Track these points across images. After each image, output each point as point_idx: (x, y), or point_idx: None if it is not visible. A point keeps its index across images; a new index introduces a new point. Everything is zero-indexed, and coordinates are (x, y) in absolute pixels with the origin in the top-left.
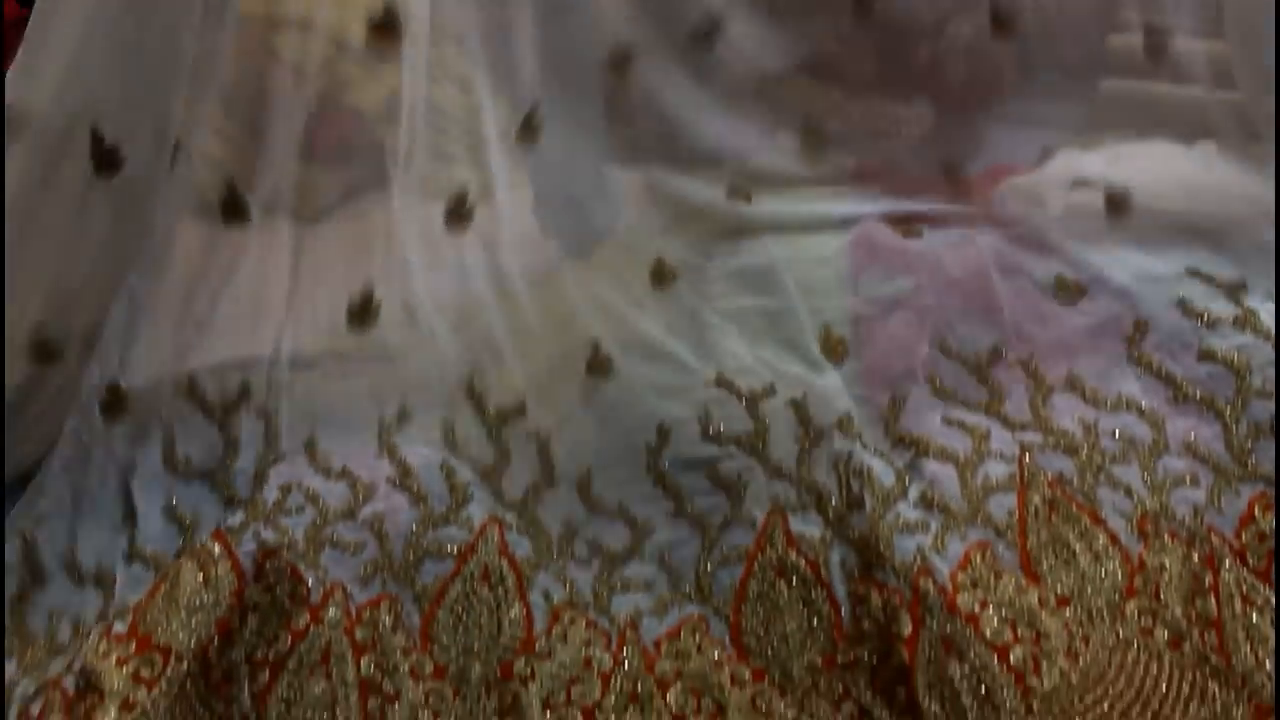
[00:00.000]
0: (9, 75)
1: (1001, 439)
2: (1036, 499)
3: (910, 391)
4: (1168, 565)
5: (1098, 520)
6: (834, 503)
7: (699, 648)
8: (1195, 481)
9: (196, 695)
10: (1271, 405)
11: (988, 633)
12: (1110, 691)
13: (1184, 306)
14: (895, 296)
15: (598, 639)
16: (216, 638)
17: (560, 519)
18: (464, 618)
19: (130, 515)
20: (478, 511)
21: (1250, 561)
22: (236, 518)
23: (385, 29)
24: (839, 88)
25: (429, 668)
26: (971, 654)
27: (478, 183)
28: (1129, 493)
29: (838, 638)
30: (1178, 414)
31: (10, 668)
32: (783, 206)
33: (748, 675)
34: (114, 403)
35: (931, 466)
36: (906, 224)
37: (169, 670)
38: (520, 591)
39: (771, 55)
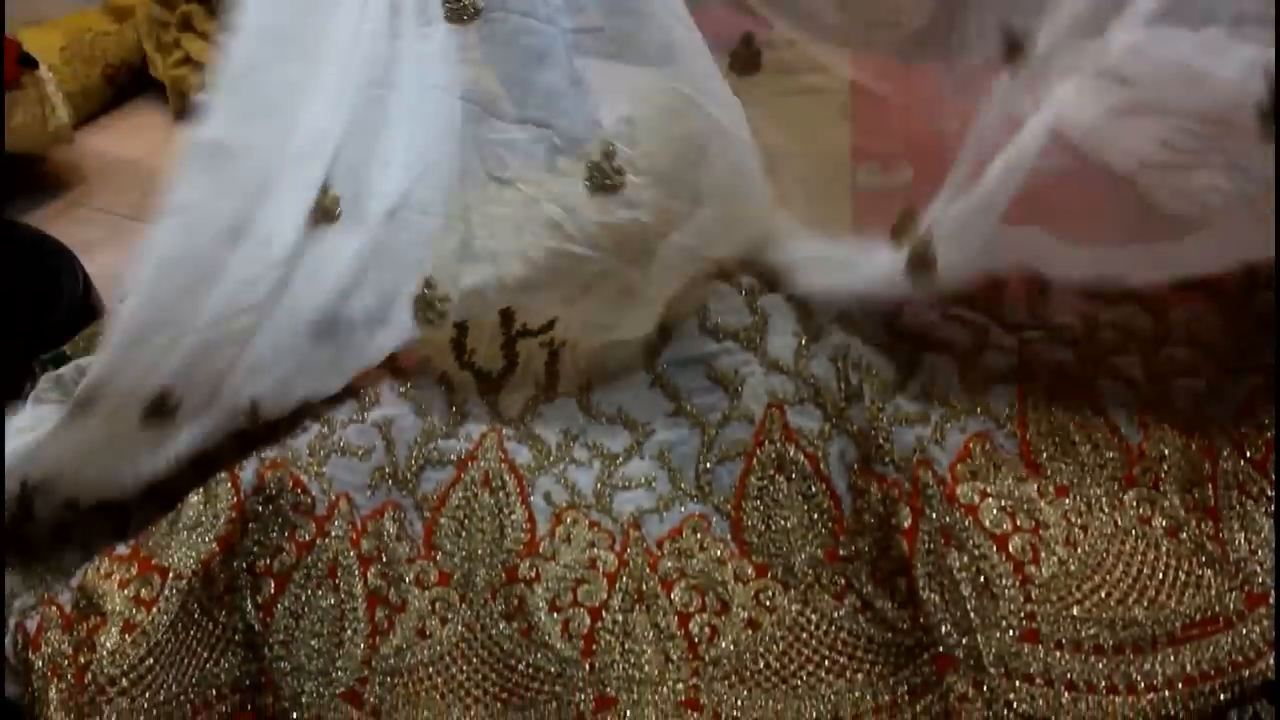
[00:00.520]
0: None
1: (1001, 332)
2: (1036, 390)
3: None
4: (1167, 455)
5: (1098, 410)
6: (833, 396)
7: (701, 546)
8: (1196, 371)
9: (199, 609)
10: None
11: (987, 523)
12: (1108, 579)
13: None
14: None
15: (601, 539)
16: (218, 552)
17: (558, 429)
18: (466, 524)
19: None
20: (475, 428)
21: (1248, 452)
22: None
23: None
24: None
25: (434, 575)
26: (971, 544)
27: None
28: (1129, 383)
29: (838, 531)
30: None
31: (12, 579)
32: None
33: (750, 571)
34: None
35: (930, 359)
36: None
37: (167, 589)
38: (522, 495)
39: None
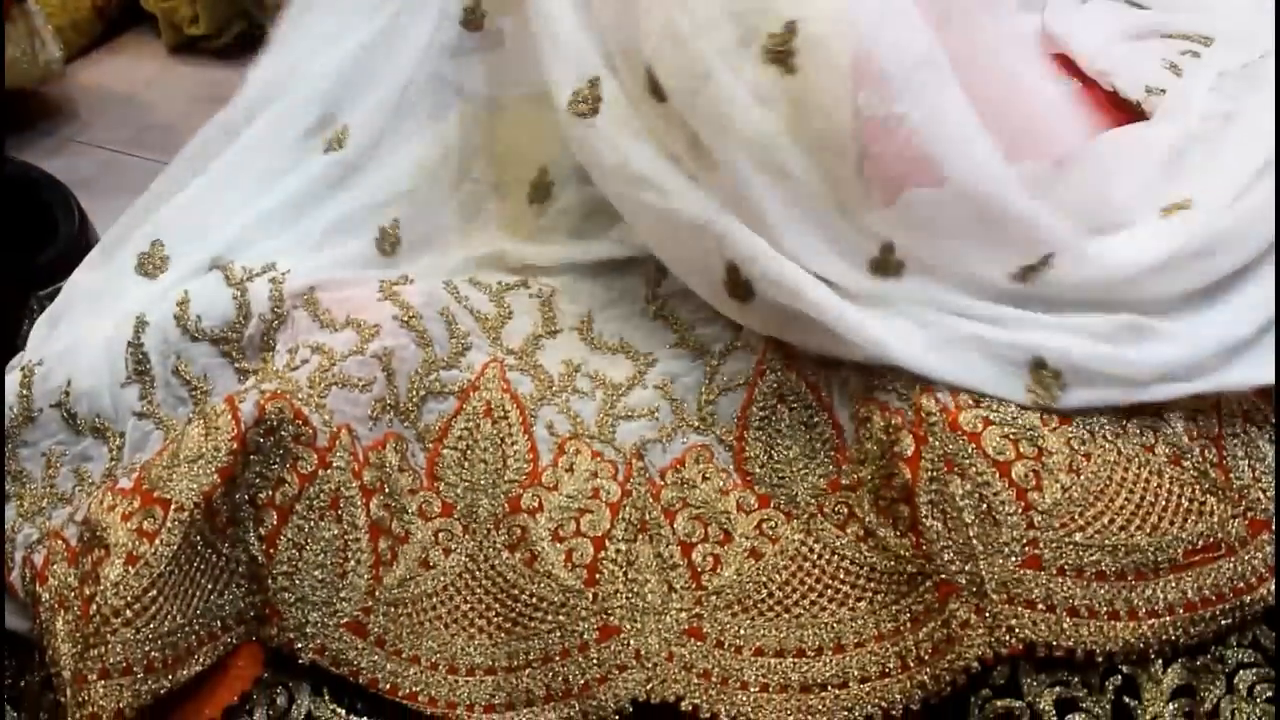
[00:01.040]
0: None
1: None
2: None
3: None
4: None
5: None
6: None
7: (704, 476)
8: None
9: (202, 541)
10: None
11: (990, 450)
12: (1110, 506)
13: None
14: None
15: (604, 469)
16: (219, 484)
17: (560, 359)
18: (469, 454)
19: (142, 373)
20: (478, 357)
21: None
22: (248, 384)
23: None
24: None
25: (437, 506)
26: (973, 471)
27: None
28: None
29: (840, 460)
30: None
31: (9, 511)
32: None
33: (753, 501)
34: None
35: None
36: None
37: (169, 521)
38: (524, 425)
39: None
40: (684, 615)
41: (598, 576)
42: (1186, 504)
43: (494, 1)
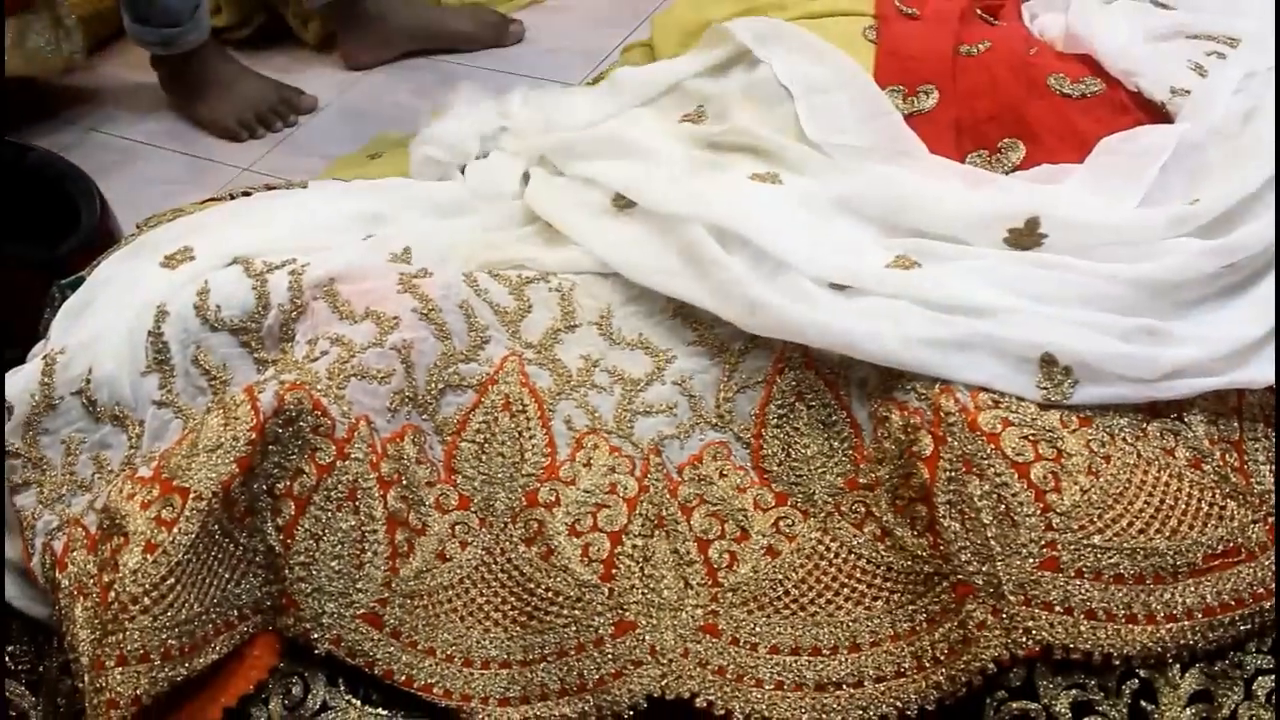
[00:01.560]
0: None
1: None
2: None
3: None
4: None
5: None
6: None
7: (721, 473)
8: None
9: (220, 530)
10: None
11: (1009, 451)
12: (1130, 509)
13: None
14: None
15: (622, 464)
16: (237, 474)
17: (579, 354)
18: (486, 448)
19: (162, 362)
20: (497, 351)
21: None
22: (267, 374)
23: None
24: None
25: (454, 499)
26: (992, 472)
27: None
28: None
29: (859, 459)
30: None
31: (29, 497)
32: None
33: (770, 499)
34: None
35: None
36: None
37: (188, 510)
38: (542, 419)
39: None
40: (700, 612)
41: (614, 572)
42: (1206, 508)
43: None
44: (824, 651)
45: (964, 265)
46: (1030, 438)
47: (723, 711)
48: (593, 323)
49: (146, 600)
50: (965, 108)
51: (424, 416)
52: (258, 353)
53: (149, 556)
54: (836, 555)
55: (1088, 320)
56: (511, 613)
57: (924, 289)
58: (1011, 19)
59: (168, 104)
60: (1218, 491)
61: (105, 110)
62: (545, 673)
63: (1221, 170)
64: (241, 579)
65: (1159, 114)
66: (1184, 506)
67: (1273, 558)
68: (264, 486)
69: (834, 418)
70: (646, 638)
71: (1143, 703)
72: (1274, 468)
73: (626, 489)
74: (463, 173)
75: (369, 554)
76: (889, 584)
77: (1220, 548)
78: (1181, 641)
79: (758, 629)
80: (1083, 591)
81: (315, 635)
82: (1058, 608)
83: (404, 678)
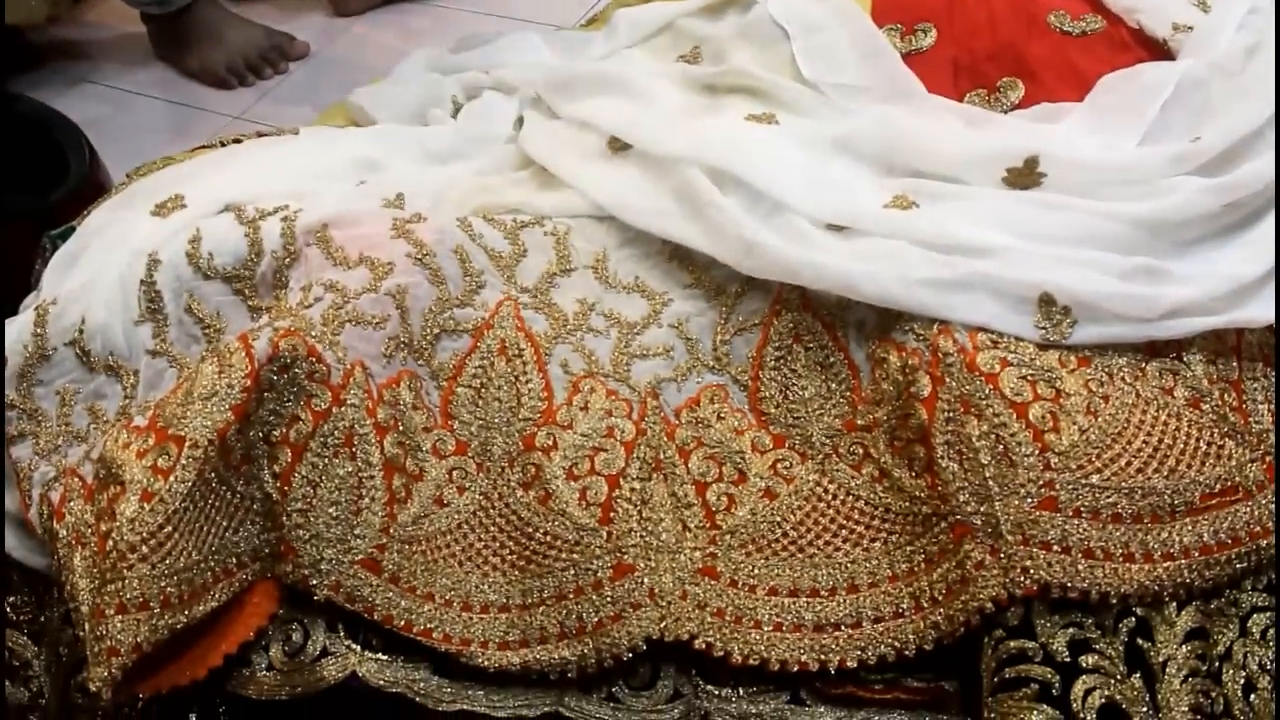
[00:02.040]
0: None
1: None
2: None
3: None
4: None
5: None
6: None
7: (719, 415)
8: None
9: (217, 478)
10: None
11: (1007, 391)
12: (1128, 448)
13: None
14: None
15: (619, 408)
16: (233, 422)
17: (575, 298)
18: (483, 392)
19: (155, 311)
20: (492, 295)
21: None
22: (261, 321)
23: None
24: None
25: (451, 444)
26: (990, 412)
27: None
28: None
29: (856, 400)
30: None
31: (25, 449)
32: None
33: (768, 441)
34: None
35: None
36: None
37: (184, 458)
38: (539, 363)
39: None
40: (698, 554)
41: (612, 515)
42: (1204, 447)
43: None
44: (822, 593)
45: (962, 205)
46: (1029, 378)
47: (721, 653)
48: (588, 266)
49: (144, 548)
50: (963, 46)
51: (419, 362)
52: (251, 300)
53: (146, 505)
54: (834, 497)
55: (1086, 259)
56: (510, 557)
57: (922, 229)
58: None
59: (156, 54)
60: (1216, 431)
61: (93, 60)
62: (544, 616)
63: (1223, 107)
64: (239, 526)
65: (1160, 51)
66: (1182, 446)
67: (1270, 496)
68: (260, 433)
69: (831, 359)
70: (645, 580)
71: (1139, 640)
72: (1272, 407)
73: (624, 432)
74: (454, 117)
75: (366, 500)
76: (887, 525)
77: (1218, 487)
78: (1178, 580)
79: (756, 571)
80: (1080, 530)
81: (314, 582)
82: (1055, 547)
83: (403, 623)
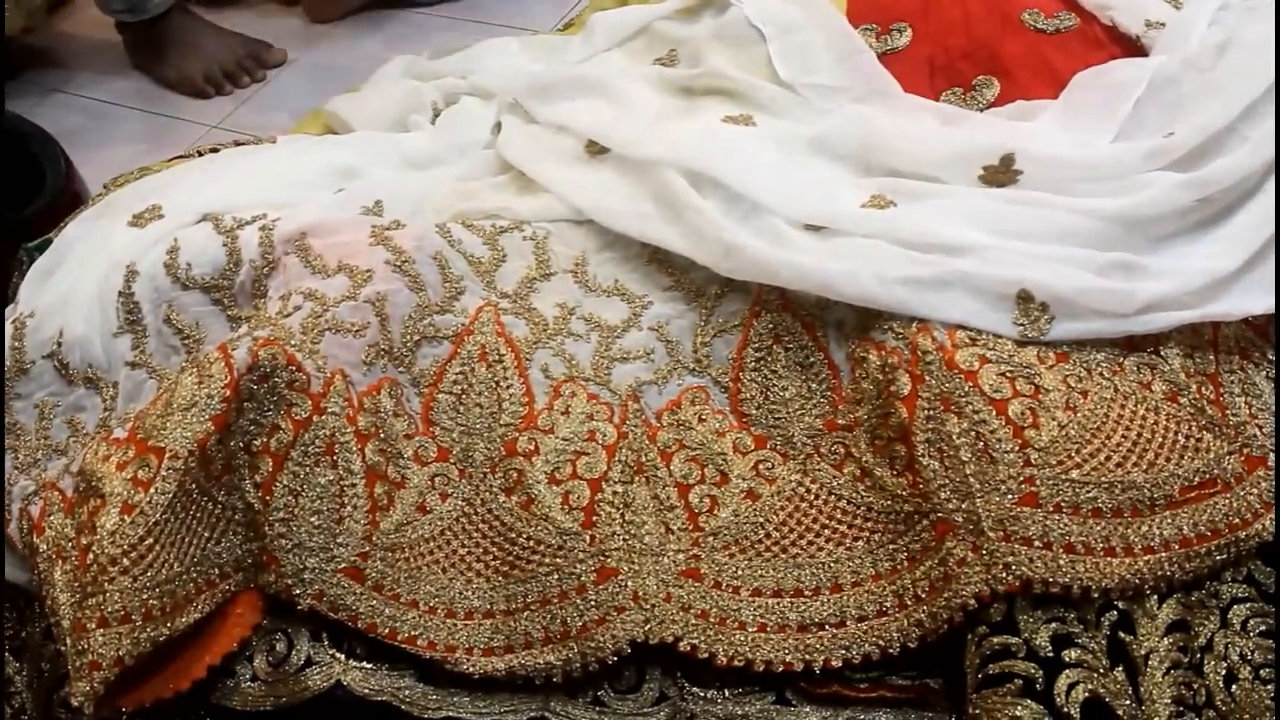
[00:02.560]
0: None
1: None
2: None
3: None
4: None
5: None
6: None
7: (700, 417)
8: None
9: (198, 489)
10: None
11: (986, 388)
12: (1107, 443)
13: None
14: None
15: (600, 412)
16: (213, 432)
17: (555, 302)
18: (464, 399)
19: (134, 322)
20: (472, 301)
21: (1249, 318)
22: (240, 331)
23: None
24: None
25: (433, 451)
26: (970, 409)
27: None
28: None
29: (837, 400)
30: None
31: (4, 463)
32: None
33: (749, 442)
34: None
35: None
36: None
37: (164, 469)
38: (519, 368)
39: None
40: (681, 556)
41: (595, 519)
42: (1183, 440)
43: None
44: (806, 592)
45: (939, 204)
46: (1008, 374)
47: (706, 655)
48: (568, 270)
49: (125, 561)
50: (939, 45)
51: (400, 369)
52: (230, 310)
53: (126, 517)
54: (816, 497)
55: (1063, 256)
56: (493, 563)
57: (899, 228)
58: None
59: (132, 63)
60: (1194, 424)
61: (68, 70)
62: (529, 621)
63: (1196, 103)
64: (221, 537)
65: (1134, 48)
66: (1161, 439)
67: (1248, 488)
68: (240, 443)
69: (811, 359)
70: (629, 583)
71: (1121, 634)
72: (1249, 399)
73: (605, 436)
74: (433, 123)
75: (348, 508)
76: (869, 524)
77: (1197, 479)
78: (1159, 573)
79: (740, 572)
80: (1061, 526)
81: (297, 591)
82: (1037, 542)
83: (387, 630)
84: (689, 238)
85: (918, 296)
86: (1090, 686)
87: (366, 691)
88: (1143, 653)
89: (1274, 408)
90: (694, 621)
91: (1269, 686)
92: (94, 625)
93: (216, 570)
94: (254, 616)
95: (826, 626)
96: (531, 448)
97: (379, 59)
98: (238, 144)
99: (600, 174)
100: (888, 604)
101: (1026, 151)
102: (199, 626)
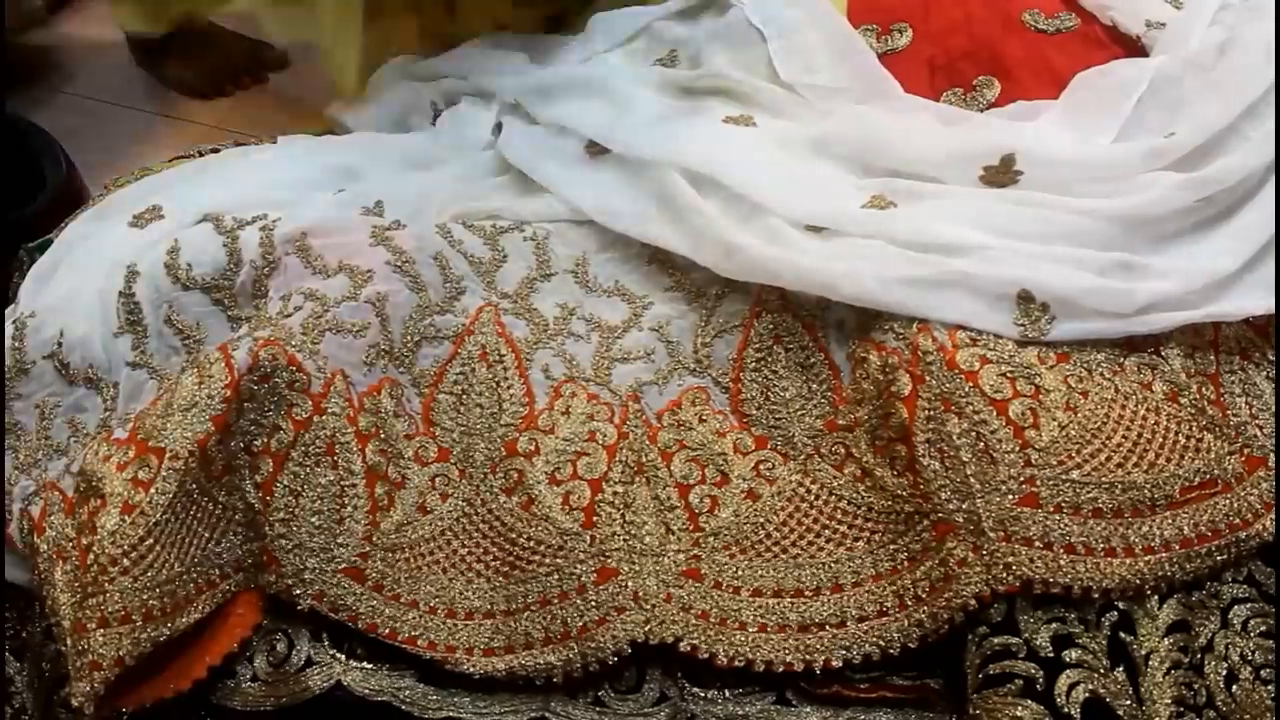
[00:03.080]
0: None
1: None
2: None
3: None
4: None
5: None
6: None
7: (700, 418)
8: None
9: (198, 489)
10: None
11: (987, 388)
12: (1108, 444)
13: None
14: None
15: (600, 412)
16: (214, 432)
17: (555, 303)
18: (464, 399)
19: (135, 323)
20: (472, 301)
21: (1250, 318)
22: (241, 331)
23: None
24: None
25: (433, 451)
26: (970, 410)
27: None
28: None
29: (837, 400)
30: None
31: (5, 463)
32: None
33: (750, 443)
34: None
35: None
36: None
37: (164, 470)
38: (520, 369)
39: None
40: (682, 557)
41: (595, 519)
42: (1184, 441)
43: None
44: (806, 593)
45: (940, 204)
46: (1008, 374)
47: (707, 655)
48: (568, 271)
49: (126, 561)
50: (939, 45)
51: (400, 369)
52: (231, 310)
53: (127, 518)
54: (817, 497)
55: (1064, 256)
56: (494, 563)
57: (900, 229)
58: None
59: (133, 62)
60: (1194, 424)
61: (68, 69)
62: (529, 622)
63: (1197, 103)
64: (221, 537)
65: (1134, 48)
66: (1161, 439)
67: (1249, 488)
68: (241, 444)
69: (812, 360)
70: (629, 584)
71: (1122, 634)
72: (1249, 400)
73: (606, 436)
74: (434, 124)
75: (349, 508)
76: (870, 524)
77: (1197, 480)
78: (1160, 573)
79: (740, 572)
80: (1062, 526)
81: (298, 591)
82: (1037, 543)
83: (387, 631)
84: (690, 238)
85: (918, 297)
86: (1091, 687)
87: (366, 692)
88: (1143, 653)
89: (1274, 408)
90: (694, 622)
91: (1269, 687)
92: (94, 625)
93: (217, 570)
94: (254, 616)
95: (827, 627)
96: (532, 448)
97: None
98: (238, 144)
99: (601, 174)
100: (888, 604)
101: (1027, 151)
102: (199, 626)
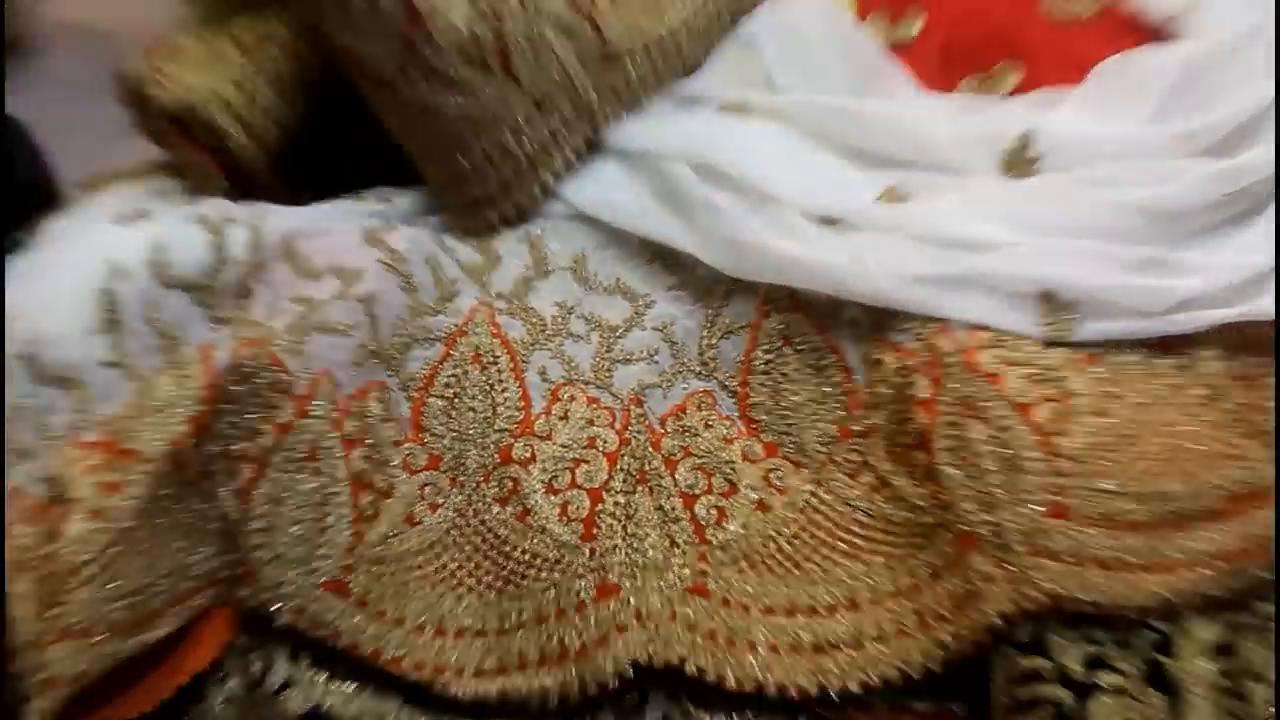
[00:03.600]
0: None
1: None
2: None
3: None
4: None
5: None
6: None
7: (707, 423)
8: None
9: (171, 495)
10: None
11: (1011, 392)
12: (1142, 451)
13: None
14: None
15: (601, 416)
16: (189, 435)
17: (553, 301)
18: (456, 403)
19: (112, 321)
20: (465, 302)
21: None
22: (222, 333)
23: None
24: None
25: (423, 458)
26: (993, 415)
27: None
28: None
29: (852, 405)
30: None
31: None
32: None
33: (759, 450)
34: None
35: None
36: None
37: (134, 473)
38: (515, 371)
39: None
40: (687, 572)
41: (595, 531)
42: (1223, 448)
43: None
44: (820, 611)
45: (957, 197)
46: (1033, 377)
47: (714, 678)
48: (567, 268)
49: (90, 570)
50: (955, 32)
51: (389, 372)
52: (214, 310)
53: (93, 523)
54: (831, 508)
55: (1090, 251)
56: (486, 578)
57: (915, 223)
58: None
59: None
60: (1234, 430)
61: (46, 56)
62: (523, 641)
63: (1227, 89)
64: (195, 547)
65: (1161, 33)
66: (1199, 447)
67: None
68: (218, 448)
69: (824, 362)
70: (631, 601)
71: (1159, 656)
72: None
73: (606, 442)
74: None
75: (332, 518)
76: (888, 537)
77: (1238, 490)
78: (1200, 590)
79: (749, 589)
80: (1093, 540)
81: (275, 606)
82: (1067, 557)
83: (371, 650)
84: (695, 234)
85: (936, 295)
86: (1127, 716)
87: (348, 716)
88: (1183, 677)
89: (1275, 406)
90: (701, 642)
91: None
92: (53, 638)
93: (188, 582)
94: (227, 633)
95: (843, 647)
96: (528, 455)
97: None
98: None
99: (602, 168)
100: (908, 623)
101: (1046, 131)
102: (169, 644)
